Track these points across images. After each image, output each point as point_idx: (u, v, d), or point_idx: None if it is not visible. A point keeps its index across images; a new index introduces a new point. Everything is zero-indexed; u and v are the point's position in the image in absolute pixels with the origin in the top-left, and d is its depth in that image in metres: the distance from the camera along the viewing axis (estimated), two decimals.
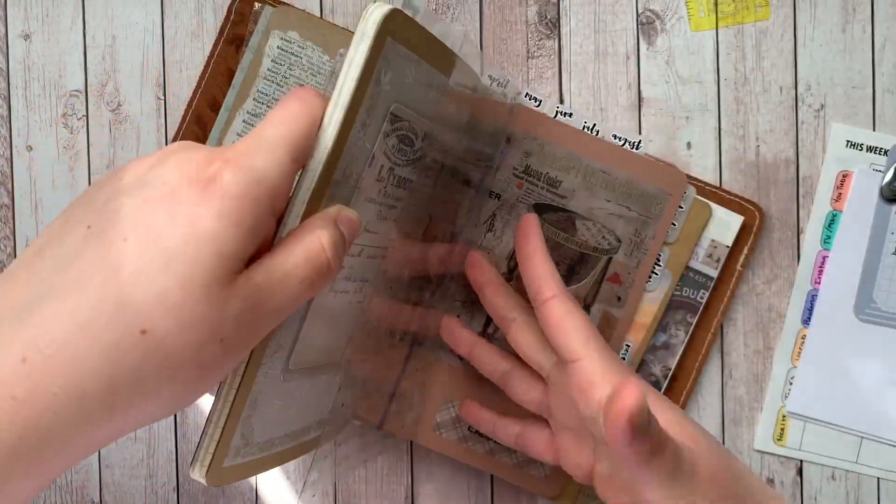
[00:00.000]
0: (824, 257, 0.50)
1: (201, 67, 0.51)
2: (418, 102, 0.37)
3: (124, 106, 0.51)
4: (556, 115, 0.49)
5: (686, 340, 0.49)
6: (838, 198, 0.50)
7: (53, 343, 0.25)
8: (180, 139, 0.50)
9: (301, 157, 0.30)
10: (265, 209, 0.28)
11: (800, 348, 0.50)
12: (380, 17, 0.31)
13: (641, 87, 0.50)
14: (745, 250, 0.49)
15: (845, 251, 0.49)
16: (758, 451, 0.50)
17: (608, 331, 0.48)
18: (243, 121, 0.50)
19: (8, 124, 0.51)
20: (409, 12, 0.34)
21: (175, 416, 0.51)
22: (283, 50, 0.49)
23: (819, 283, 0.50)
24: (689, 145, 0.50)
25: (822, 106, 0.50)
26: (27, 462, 0.26)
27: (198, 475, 0.32)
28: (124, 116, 0.51)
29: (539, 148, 0.48)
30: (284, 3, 0.50)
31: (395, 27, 0.32)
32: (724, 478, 0.36)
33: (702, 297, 0.49)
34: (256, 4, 0.50)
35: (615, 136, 0.49)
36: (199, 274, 0.26)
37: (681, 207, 0.48)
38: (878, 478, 0.50)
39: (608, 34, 0.51)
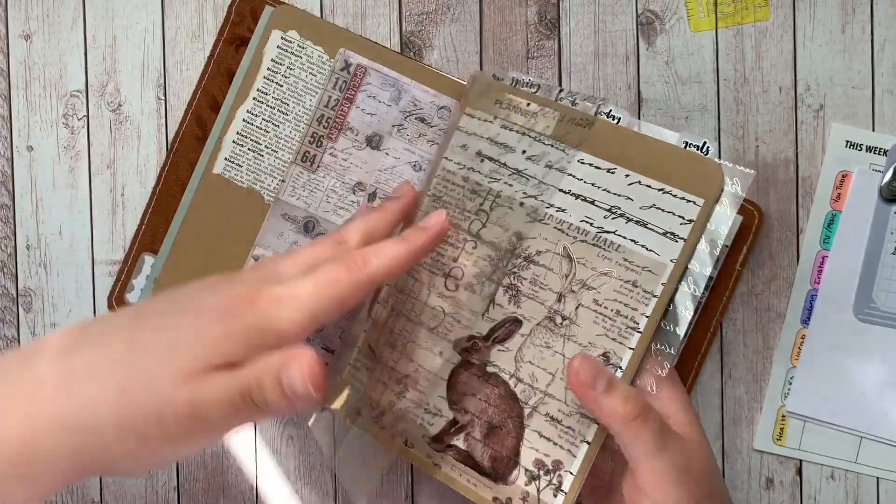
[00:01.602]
0: (824, 257, 0.50)
1: (202, 68, 0.51)
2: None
3: (125, 106, 0.52)
4: None
5: (684, 340, 0.49)
6: (838, 198, 0.50)
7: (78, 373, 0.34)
8: (180, 140, 0.51)
9: (322, 320, 0.36)
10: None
11: (799, 348, 0.50)
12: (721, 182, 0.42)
13: (641, 88, 0.50)
14: (745, 250, 0.49)
15: (845, 251, 0.49)
16: (757, 450, 0.50)
17: None
18: (243, 120, 0.50)
19: (9, 124, 0.51)
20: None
21: None
22: (282, 49, 0.49)
23: (818, 283, 0.50)
24: (688, 146, 0.50)
25: (822, 106, 0.50)
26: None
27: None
28: (125, 117, 0.52)
29: None
30: (284, 3, 0.50)
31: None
32: (711, 481, 0.41)
33: (701, 297, 0.49)
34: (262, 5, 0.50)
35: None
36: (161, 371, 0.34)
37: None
38: (878, 478, 0.50)
39: (608, 34, 0.51)
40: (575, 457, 0.42)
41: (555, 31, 0.51)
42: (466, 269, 0.45)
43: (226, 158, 0.50)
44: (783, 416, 0.50)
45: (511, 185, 0.44)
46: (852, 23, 0.50)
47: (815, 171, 0.50)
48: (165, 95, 0.52)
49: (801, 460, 0.50)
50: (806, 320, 0.50)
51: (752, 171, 0.41)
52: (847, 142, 0.50)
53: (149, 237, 0.51)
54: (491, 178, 0.45)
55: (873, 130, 0.50)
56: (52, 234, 0.51)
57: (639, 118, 0.50)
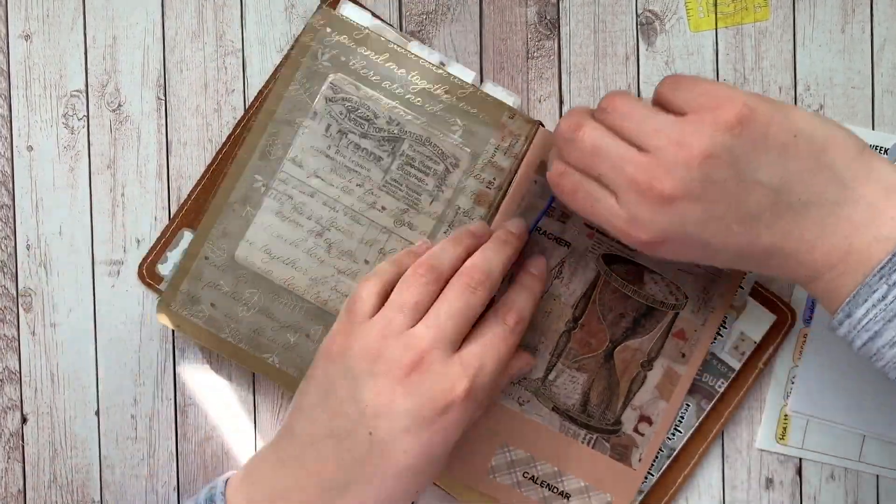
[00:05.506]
0: None
1: (202, 68, 0.51)
2: (373, 86, 0.46)
3: (125, 106, 0.51)
4: None
5: (696, 425, 0.49)
6: None
7: None
8: (243, 125, 0.51)
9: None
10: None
11: (801, 347, 0.50)
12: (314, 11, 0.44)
13: (641, 88, 0.51)
14: (771, 350, 0.49)
15: None
16: (760, 450, 0.50)
17: (670, 386, 0.48)
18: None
19: (9, 124, 0.51)
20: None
21: (175, 416, 0.51)
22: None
23: None
24: None
25: (822, 106, 0.50)
26: None
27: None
28: (125, 117, 0.51)
29: None
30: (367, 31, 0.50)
31: (327, 20, 0.46)
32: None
33: (720, 386, 0.49)
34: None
35: None
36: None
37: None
38: (878, 475, 0.50)
39: (608, 35, 0.51)
40: None
41: (555, 31, 0.51)
42: None
43: None
44: (786, 415, 0.50)
45: None
46: (852, 23, 0.50)
47: None
48: (165, 95, 0.51)
49: (802, 459, 0.50)
50: (808, 319, 0.50)
51: None
52: None
53: (193, 213, 0.50)
54: None
55: (873, 130, 0.50)
56: (52, 234, 0.51)
57: None
